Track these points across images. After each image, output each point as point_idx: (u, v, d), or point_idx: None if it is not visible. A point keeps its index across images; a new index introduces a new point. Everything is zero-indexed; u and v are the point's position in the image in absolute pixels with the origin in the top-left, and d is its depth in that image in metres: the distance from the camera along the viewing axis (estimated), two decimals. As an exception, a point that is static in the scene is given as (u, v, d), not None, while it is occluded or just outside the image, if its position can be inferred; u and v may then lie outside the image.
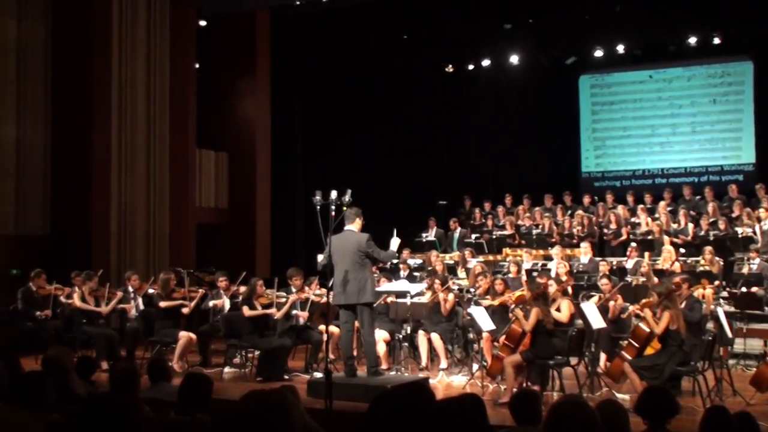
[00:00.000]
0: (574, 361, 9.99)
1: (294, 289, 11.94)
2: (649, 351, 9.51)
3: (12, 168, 15.38)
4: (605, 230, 16.82)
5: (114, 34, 16.26)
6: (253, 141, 19.11)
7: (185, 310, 12.07)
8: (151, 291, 12.91)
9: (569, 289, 12.12)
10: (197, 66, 18.31)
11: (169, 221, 17.08)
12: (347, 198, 9.70)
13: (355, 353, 10.31)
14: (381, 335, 11.39)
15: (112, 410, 3.20)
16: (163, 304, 11.90)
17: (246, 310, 11.34)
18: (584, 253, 14.84)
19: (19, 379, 5.25)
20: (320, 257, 10.05)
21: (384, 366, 10.53)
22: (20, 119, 15.50)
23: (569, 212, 18.05)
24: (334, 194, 9.63)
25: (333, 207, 9.59)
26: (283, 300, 11.74)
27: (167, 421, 4.82)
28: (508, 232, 17.61)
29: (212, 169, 18.85)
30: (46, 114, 15.88)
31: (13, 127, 15.37)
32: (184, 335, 11.73)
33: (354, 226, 9.99)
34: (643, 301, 10.02)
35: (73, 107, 15.71)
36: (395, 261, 12.25)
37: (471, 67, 21.12)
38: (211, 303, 12.70)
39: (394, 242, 10.36)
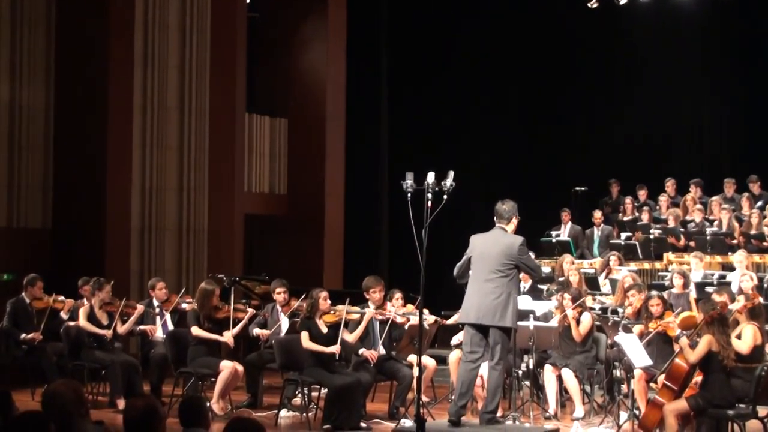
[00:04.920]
0: (762, 411, 9.82)
1: (372, 306, 11.98)
2: None
3: (4, 140, 15.74)
4: (809, 229, 16.49)
5: (138, -40, 16.54)
6: (323, 104, 19.21)
7: (226, 339, 12.15)
8: (184, 306, 13.08)
9: (761, 310, 11.86)
10: (248, 2, 18.48)
11: (209, 212, 17.28)
12: (449, 183, 9.72)
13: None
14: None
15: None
16: (195, 331, 12.01)
17: (305, 339, 11.34)
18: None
19: (12, 422, 5.36)
20: None
21: (498, 413, 10.51)
22: (15, 75, 15.84)
23: (759, 203, 17.71)
24: (431, 177, 9.64)
25: (430, 195, 9.60)
26: (356, 316, 11.77)
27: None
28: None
29: (267, 141, 19.03)
30: (49, 68, 16.20)
31: (5, 86, 15.73)
32: (227, 366, 11.85)
33: (507, 225, 10.07)
34: None
35: (84, 60, 15.99)
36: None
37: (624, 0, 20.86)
38: (255, 331, 12.83)
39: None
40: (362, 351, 11.72)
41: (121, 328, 12.65)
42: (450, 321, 12.62)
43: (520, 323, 11.19)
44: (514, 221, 10.14)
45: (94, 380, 12.87)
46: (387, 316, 11.93)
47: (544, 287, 14.26)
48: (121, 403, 11.78)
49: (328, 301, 11.67)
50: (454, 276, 10.28)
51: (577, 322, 11.94)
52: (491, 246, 9.96)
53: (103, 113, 15.94)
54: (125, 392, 12.03)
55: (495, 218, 10.15)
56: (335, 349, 11.36)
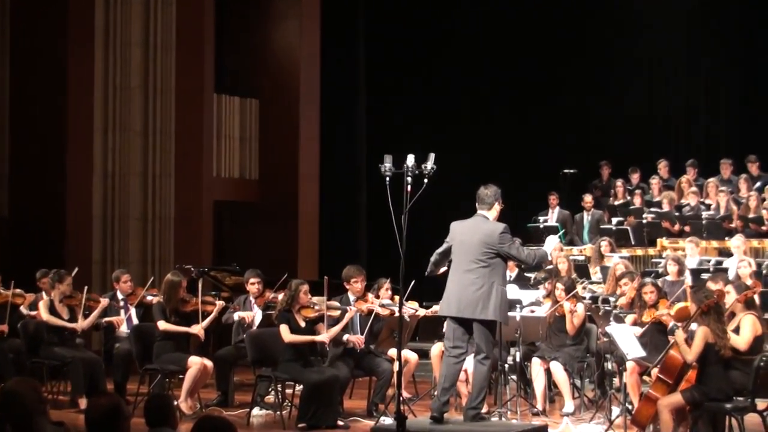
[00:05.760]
0: (761, 404, 9.83)
1: (352, 297, 11.94)
2: None
3: (-45, 123, 15.70)
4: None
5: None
6: (296, 84, 19.16)
7: (196, 332, 12.08)
8: (150, 298, 13.03)
9: (756, 300, 11.89)
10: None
11: (175, 199, 17.23)
12: (430, 165, 9.68)
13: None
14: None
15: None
16: (162, 326, 11.95)
17: (285, 332, 11.30)
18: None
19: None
20: None
21: (483, 408, 10.50)
22: (-34, 53, 15.78)
23: (757, 185, 17.74)
24: (410, 160, 9.60)
25: (409, 178, 9.57)
26: (338, 313, 11.73)
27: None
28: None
29: (237, 124, 18.97)
30: (4, 47, 16.11)
31: (-44, 65, 15.68)
32: (195, 362, 11.81)
33: (489, 212, 10.04)
34: None
35: (41, 37, 15.91)
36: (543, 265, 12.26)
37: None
38: (236, 316, 12.79)
39: (551, 241, 10.56)
40: (347, 337, 11.69)
41: (84, 323, 12.57)
42: (432, 310, 12.58)
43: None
44: (497, 207, 10.08)
45: (54, 378, 12.81)
46: (370, 308, 11.89)
47: (531, 275, 14.27)
48: (82, 403, 11.71)
49: (309, 295, 11.64)
50: (430, 262, 10.23)
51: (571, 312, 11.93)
52: (471, 234, 9.90)
53: (61, 94, 15.89)
54: (87, 391, 11.94)
55: (477, 204, 10.10)
56: (325, 338, 11.36)
